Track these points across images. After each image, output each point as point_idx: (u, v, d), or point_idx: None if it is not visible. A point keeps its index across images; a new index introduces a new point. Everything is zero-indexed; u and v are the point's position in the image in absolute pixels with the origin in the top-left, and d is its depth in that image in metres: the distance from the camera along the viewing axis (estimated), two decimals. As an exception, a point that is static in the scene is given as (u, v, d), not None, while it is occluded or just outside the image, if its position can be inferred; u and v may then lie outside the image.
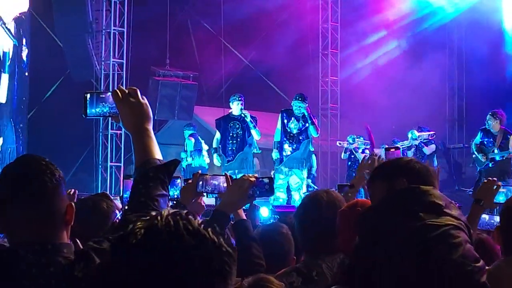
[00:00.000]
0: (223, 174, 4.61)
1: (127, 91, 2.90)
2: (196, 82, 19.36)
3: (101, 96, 2.97)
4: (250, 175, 4.17)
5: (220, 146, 14.48)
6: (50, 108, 20.50)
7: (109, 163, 18.13)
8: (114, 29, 18.48)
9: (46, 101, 21.30)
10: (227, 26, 21.21)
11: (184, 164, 16.21)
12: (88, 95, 2.97)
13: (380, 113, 20.08)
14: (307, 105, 14.00)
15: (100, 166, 18.42)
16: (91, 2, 18.45)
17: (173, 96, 18.69)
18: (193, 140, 16.23)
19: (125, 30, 18.57)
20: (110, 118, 3.00)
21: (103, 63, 18.63)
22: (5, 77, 21.53)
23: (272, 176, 13.92)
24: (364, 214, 2.83)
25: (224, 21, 21.01)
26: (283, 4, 21.20)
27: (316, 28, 21.73)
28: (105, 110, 2.96)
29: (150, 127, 2.89)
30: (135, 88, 2.93)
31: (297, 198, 13.64)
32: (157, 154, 2.83)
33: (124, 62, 18.47)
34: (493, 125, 13.66)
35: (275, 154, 14.25)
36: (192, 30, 22.90)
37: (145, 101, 2.90)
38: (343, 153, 17.87)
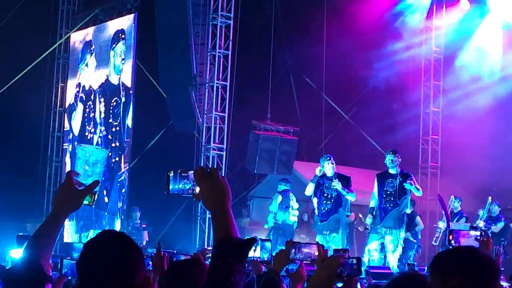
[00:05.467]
0: (316, 242, 4.73)
1: (209, 170, 3.01)
2: (297, 137, 19.38)
3: (183, 174, 3.10)
4: (339, 255, 4.22)
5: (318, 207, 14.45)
6: (152, 158, 20.90)
7: (207, 215, 18.26)
8: (217, 83, 18.77)
9: (149, 150, 21.73)
10: (329, 81, 21.29)
11: (271, 221, 16.17)
12: (171, 173, 3.11)
13: (480, 172, 19.64)
14: (400, 159, 13.93)
15: (199, 218, 18.65)
16: (195, 56, 18.86)
17: (273, 150, 18.75)
18: (280, 198, 16.06)
19: (228, 84, 18.85)
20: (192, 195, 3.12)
21: (205, 115, 18.93)
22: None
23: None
24: None
25: (326, 76, 21.11)
26: (384, 62, 21.09)
27: (418, 86, 21.49)
28: (187, 187, 3.10)
29: (229, 206, 3.00)
30: (216, 168, 3.05)
31: (391, 260, 13.50)
32: (236, 233, 2.93)
33: (226, 115, 18.71)
34: None
35: (368, 220, 14.17)
36: (294, 84, 23.09)
37: (225, 181, 3.01)
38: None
